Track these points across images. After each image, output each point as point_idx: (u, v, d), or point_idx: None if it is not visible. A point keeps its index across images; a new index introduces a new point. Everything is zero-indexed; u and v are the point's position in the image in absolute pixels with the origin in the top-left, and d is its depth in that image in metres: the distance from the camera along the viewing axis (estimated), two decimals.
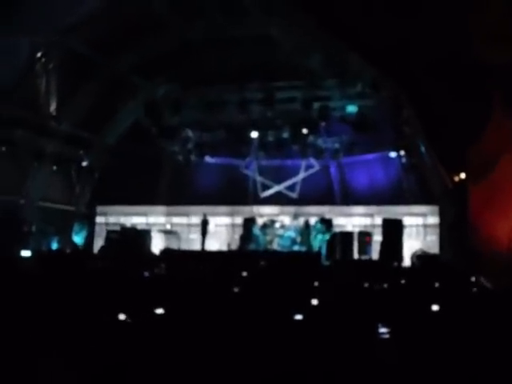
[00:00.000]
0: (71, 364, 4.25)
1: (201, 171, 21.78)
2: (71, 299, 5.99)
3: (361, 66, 16.34)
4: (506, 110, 11.87)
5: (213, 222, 19.50)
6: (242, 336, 4.86)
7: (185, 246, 19.08)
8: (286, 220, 18.94)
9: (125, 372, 4.26)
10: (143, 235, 18.50)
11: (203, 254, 17.59)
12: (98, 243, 19.05)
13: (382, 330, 5.13)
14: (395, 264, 15.44)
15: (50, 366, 4.20)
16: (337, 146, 20.14)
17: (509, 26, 10.97)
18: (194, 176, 21.81)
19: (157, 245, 18.48)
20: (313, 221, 18.34)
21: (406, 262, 16.24)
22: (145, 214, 20.65)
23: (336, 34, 13.99)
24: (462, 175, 14.73)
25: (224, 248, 19.07)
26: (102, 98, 18.06)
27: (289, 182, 21.40)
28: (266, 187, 21.55)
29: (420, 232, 18.75)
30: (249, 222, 18.88)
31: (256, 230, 18.40)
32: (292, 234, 18.14)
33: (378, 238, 17.47)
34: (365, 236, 17.64)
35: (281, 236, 18.20)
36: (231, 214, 20.20)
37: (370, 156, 20.35)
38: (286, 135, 19.77)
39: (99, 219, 20.45)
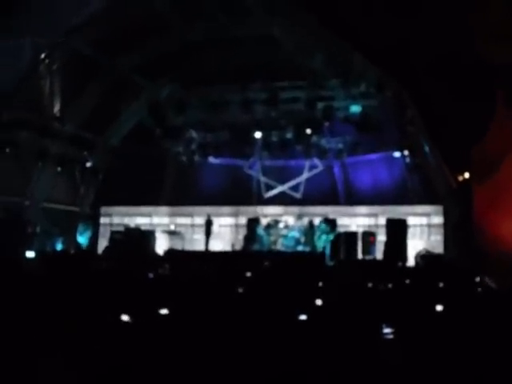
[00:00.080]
0: (76, 365, 4.25)
1: (204, 172, 21.79)
2: (75, 300, 5.99)
3: (364, 65, 16.32)
4: (509, 110, 11.84)
5: (217, 222, 19.50)
6: (247, 336, 4.85)
7: (189, 247, 19.08)
8: (290, 220, 18.91)
9: (129, 373, 4.26)
10: (147, 236, 18.51)
11: (207, 255, 17.58)
12: (103, 244, 19.07)
13: (387, 330, 5.12)
14: (399, 264, 15.40)
15: (54, 367, 4.20)
16: (340, 146, 20.11)
17: (511, 25, 10.95)
18: (198, 176, 21.82)
19: (161, 245, 18.49)
20: (317, 221, 18.30)
21: (411, 262, 16.19)
22: (149, 215, 20.66)
23: (338, 34, 13.99)
24: (467, 175, 14.69)
25: (228, 248, 19.08)
26: (106, 99, 18.10)
27: (293, 182, 21.38)
28: (269, 187, 21.54)
29: (424, 232, 18.70)
30: (253, 223, 18.86)
31: (260, 231, 18.39)
32: (296, 234, 18.12)
33: (382, 238, 17.43)
34: (369, 236, 17.61)
35: (285, 236, 18.18)
36: (235, 215, 20.18)
37: (374, 156, 20.32)
38: (289, 135, 19.75)
39: (103, 220, 20.48)
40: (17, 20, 14.22)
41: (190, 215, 20.41)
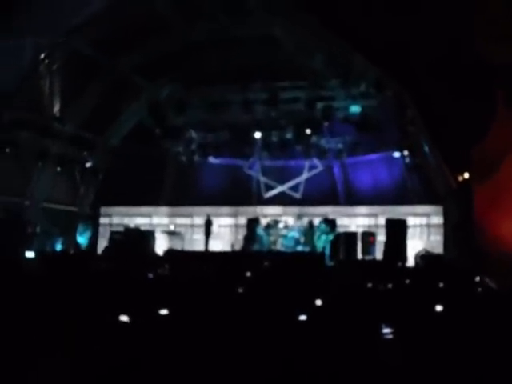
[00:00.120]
0: (76, 365, 4.25)
1: (204, 172, 21.79)
2: (75, 300, 5.99)
3: (364, 65, 16.31)
4: (509, 110, 11.84)
5: (216, 222, 19.50)
6: (247, 336, 4.85)
7: (188, 247, 19.07)
8: (290, 220, 18.92)
9: (130, 373, 4.25)
10: (147, 236, 18.50)
11: (207, 255, 17.58)
12: (102, 244, 19.05)
13: (386, 330, 5.12)
14: (399, 264, 15.40)
15: (54, 367, 4.20)
16: (340, 146, 20.12)
17: (511, 25, 10.95)
18: (198, 177, 21.83)
19: (160, 246, 18.49)
20: (316, 221, 18.31)
21: (410, 262, 16.19)
22: (148, 215, 20.66)
23: (338, 34, 13.99)
24: (466, 175, 14.69)
25: (228, 248, 19.07)
26: (106, 99, 18.09)
27: (292, 183, 21.38)
28: (269, 187, 21.55)
29: (424, 232, 18.70)
30: (252, 223, 18.86)
31: (260, 231, 18.39)
32: (296, 234, 18.12)
33: (381, 238, 17.43)
34: (369, 236, 17.61)
35: (284, 236, 18.18)
36: (235, 215, 20.18)
37: (374, 156, 20.32)
38: (289, 135, 19.76)
39: (103, 220, 20.47)
40: (17, 20, 14.22)
41: (190, 215, 20.41)
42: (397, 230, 16.89)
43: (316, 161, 21.06)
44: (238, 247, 18.89)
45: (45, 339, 4.57)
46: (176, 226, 20.18)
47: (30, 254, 14.49)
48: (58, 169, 18.69)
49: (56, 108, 17.29)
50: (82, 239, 19.90)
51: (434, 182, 17.55)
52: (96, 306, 5.76)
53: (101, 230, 20.19)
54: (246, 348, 4.58)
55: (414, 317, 5.71)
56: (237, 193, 20.70)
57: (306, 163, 21.20)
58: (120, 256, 15.70)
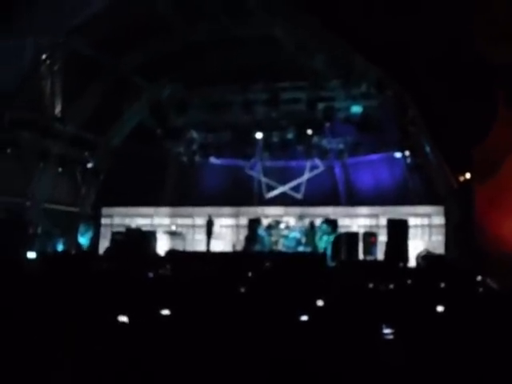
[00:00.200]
0: (77, 365, 4.25)
1: (205, 172, 21.80)
2: (77, 301, 5.99)
3: (365, 66, 16.31)
4: (510, 109, 11.83)
5: (218, 223, 19.51)
6: (248, 337, 4.85)
7: (190, 247, 19.09)
8: (291, 221, 18.91)
9: (131, 373, 4.25)
10: (148, 236, 18.52)
11: (208, 255, 17.59)
12: (104, 244, 19.07)
13: (388, 330, 5.12)
14: (400, 264, 15.40)
15: (55, 368, 4.20)
16: (341, 146, 20.13)
17: (511, 25, 10.95)
18: (199, 177, 21.83)
19: (162, 246, 18.50)
20: (318, 221, 18.31)
21: (412, 262, 16.19)
22: (150, 216, 20.67)
23: (339, 35, 13.99)
24: (468, 175, 14.69)
25: (229, 249, 19.08)
26: (107, 100, 18.10)
27: (294, 183, 21.38)
28: (270, 188, 21.55)
29: (425, 232, 18.69)
30: (254, 223, 18.88)
31: (261, 231, 18.39)
32: (297, 234, 18.11)
33: (383, 238, 17.43)
34: (370, 237, 17.62)
35: (286, 237, 18.17)
36: (236, 215, 20.19)
37: (375, 156, 20.31)
38: (290, 136, 19.77)
39: (104, 220, 20.49)
40: (18, 20, 14.23)
41: (191, 216, 20.42)
42: (398, 231, 16.89)
43: (317, 161, 21.06)
44: (239, 248, 18.90)
45: (46, 339, 4.58)
46: (177, 226, 20.20)
47: (31, 255, 14.50)
48: (60, 169, 18.70)
49: (57, 108, 17.30)
50: (84, 240, 19.91)
51: (435, 182, 17.55)
52: (97, 306, 5.76)
53: (102, 230, 20.20)
54: (248, 348, 4.59)
55: (415, 317, 5.71)
56: (238, 193, 20.70)
57: (308, 163, 21.19)
58: (121, 256, 15.71)
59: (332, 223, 18.17)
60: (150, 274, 10.69)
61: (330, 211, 19.35)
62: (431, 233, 18.63)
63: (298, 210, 19.58)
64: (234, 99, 18.91)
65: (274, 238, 18.25)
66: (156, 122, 19.67)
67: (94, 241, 19.95)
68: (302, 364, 4.35)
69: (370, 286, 9.06)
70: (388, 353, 4.79)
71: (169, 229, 20.02)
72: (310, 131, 19.26)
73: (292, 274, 10.91)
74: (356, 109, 18.48)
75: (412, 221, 18.06)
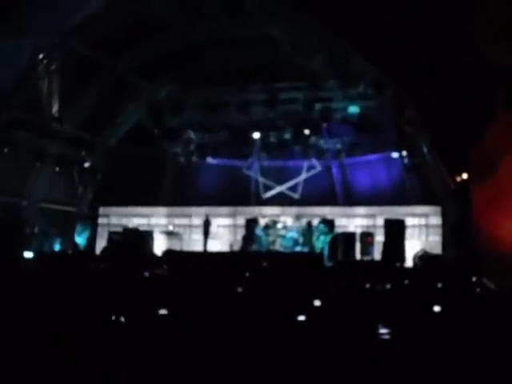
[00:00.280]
0: (74, 365, 4.24)
1: (203, 172, 21.80)
2: (74, 300, 5.98)
3: (363, 66, 16.32)
4: (508, 110, 11.85)
5: (215, 222, 19.51)
6: (245, 337, 4.85)
7: (187, 247, 19.08)
8: (289, 221, 18.93)
9: (128, 373, 4.25)
10: (145, 236, 18.50)
11: (205, 255, 17.58)
12: (101, 244, 19.05)
13: (385, 330, 5.12)
14: (398, 265, 15.41)
15: (52, 367, 4.19)
16: (339, 146, 20.15)
17: (511, 25, 10.96)
18: (196, 177, 21.84)
19: (159, 246, 18.49)
20: (315, 221, 18.33)
21: (409, 262, 16.20)
22: (147, 216, 20.65)
23: (338, 35, 13.99)
24: (465, 175, 14.71)
25: (226, 249, 19.08)
26: (105, 100, 18.08)
27: (291, 183, 21.40)
28: (268, 188, 21.56)
29: (422, 232, 18.71)
30: (251, 223, 18.87)
31: (258, 231, 18.40)
32: (294, 234, 18.13)
33: (380, 238, 17.46)
34: (367, 237, 17.62)
35: (283, 237, 18.19)
36: (233, 215, 20.19)
37: (372, 156, 20.34)
38: (287, 136, 19.77)
39: (101, 220, 20.46)
40: (17, 20, 14.19)
41: (189, 216, 20.41)
42: (395, 231, 16.91)
43: (314, 161, 21.08)
44: (236, 247, 18.91)
45: (43, 339, 4.57)
46: (174, 226, 20.20)
47: (28, 255, 14.48)
48: (57, 169, 18.66)
49: (54, 108, 17.26)
50: (81, 239, 19.89)
51: (432, 182, 17.57)
52: (94, 306, 5.75)
53: (99, 230, 20.18)
54: (245, 348, 4.58)
55: (412, 317, 5.71)
56: (235, 193, 20.71)
57: (305, 164, 21.21)
58: (118, 256, 15.69)
59: (329, 223, 18.19)
60: (147, 274, 10.68)
61: (327, 211, 19.36)
62: (428, 233, 18.66)
63: (295, 209, 19.60)
64: (232, 99, 18.89)
65: (271, 238, 18.26)
66: (153, 122, 19.65)
67: (91, 240, 19.93)
68: (299, 364, 4.35)
69: (367, 286, 9.06)
70: (385, 353, 4.79)
71: (166, 229, 20.01)
72: (307, 131, 19.27)
73: (289, 273, 10.91)
74: (353, 109, 18.49)
75: (409, 221, 18.08)
